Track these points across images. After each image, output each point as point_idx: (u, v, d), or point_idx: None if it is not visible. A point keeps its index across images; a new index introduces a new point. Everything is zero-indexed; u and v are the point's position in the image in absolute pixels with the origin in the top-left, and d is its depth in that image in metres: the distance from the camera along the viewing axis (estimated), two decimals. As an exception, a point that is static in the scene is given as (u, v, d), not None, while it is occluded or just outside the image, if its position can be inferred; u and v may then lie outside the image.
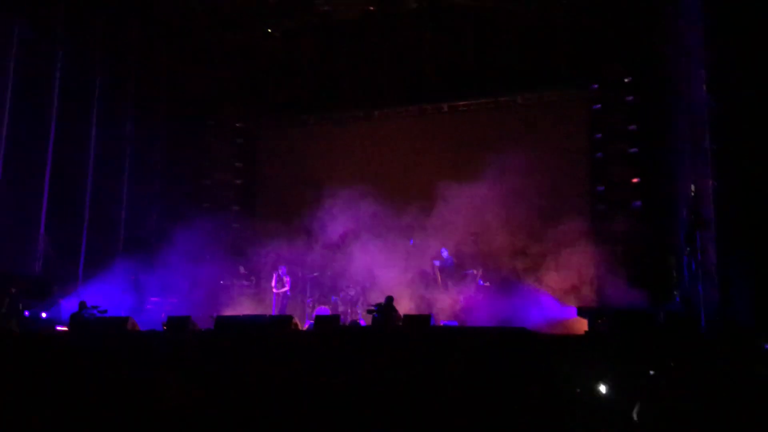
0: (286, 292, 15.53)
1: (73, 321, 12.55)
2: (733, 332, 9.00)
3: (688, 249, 11.49)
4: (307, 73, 18.87)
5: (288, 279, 15.56)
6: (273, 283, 15.57)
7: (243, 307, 15.89)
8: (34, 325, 13.00)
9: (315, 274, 16.14)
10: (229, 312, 15.16)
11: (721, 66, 10.10)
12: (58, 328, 13.26)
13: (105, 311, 12.80)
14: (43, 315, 13.47)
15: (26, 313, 13.05)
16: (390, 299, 12.66)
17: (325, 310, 15.47)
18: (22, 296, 13.15)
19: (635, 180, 15.28)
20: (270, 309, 15.59)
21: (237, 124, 19.01)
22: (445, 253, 15.49)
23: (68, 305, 13.66)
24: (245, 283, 16.64)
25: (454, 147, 16.97)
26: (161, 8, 17.47)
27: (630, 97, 15.56)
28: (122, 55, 16.69)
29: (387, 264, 15.50)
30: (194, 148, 18.79)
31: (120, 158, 16.55)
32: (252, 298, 16.39)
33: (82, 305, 12.75)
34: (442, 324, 13.31)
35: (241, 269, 16.67)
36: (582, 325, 12.01)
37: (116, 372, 8.81)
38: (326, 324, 12.10)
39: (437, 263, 15.50)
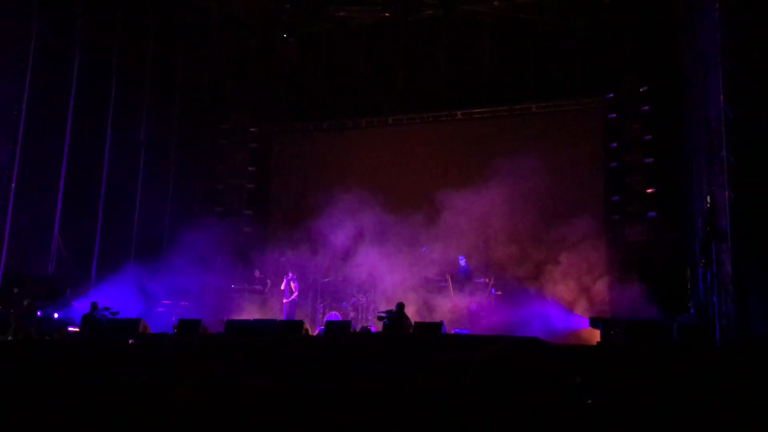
0: (294, 298, 15.46)
1: (85, 322, 12.60)
2: (749, 345, 8.89)
3: (704, 260, 11.37)
4: (322, 79, 18.94)
5: (296, 285, 15.50)
6: (283, 288, 15.51)
7: (253, 311, 15.89)
8: (47, 326, 13.06)
9: (326, 279, 16.10)
10: (239, 316, 15.16)
11: (738, 77, 10.01)
12: (70, 328, 13.31)
13: (117, 313, 12.86)
14: (55, 315, 13.53)
15: (38, 313, 13.11)
16: (401, 306, 12.60)
17: (335, 315, 15.44)
18: (34, 296, 13.23)
19: (650, 190, 15.15)
20: (281, 314, 15.57)
21: (251, 129, 19.03)
22: (462, 261, 15.44)
23: (80, 306, 13.71)
24: (257, 287, 16.58)
25: (468, 154, 16.95)
26: (178, 12, 17.58)
27: (646, 107, 15.45)
28: (138, 58, 16.79)
29: (398, 270, 15.46)
30: (207, 151, 18.88)
31: (134, 160, 16.62)
32: (263, 302, 16.36)
33: (94, 306, 12.81)
34: (453, 332, 13.23)
35: (257, 273, 16.62)
36: (594, 335, 11.92)
37: (126, 374, 8.81)
38: (337, 330, 12.08)
39: (460, 271, 15.41)
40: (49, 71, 14.44)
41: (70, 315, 13.67)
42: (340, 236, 15.66)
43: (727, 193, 9.95)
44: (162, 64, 17.42)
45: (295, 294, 15.45)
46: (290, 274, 15.53)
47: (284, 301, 15.43)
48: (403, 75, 18.22)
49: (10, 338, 12.13)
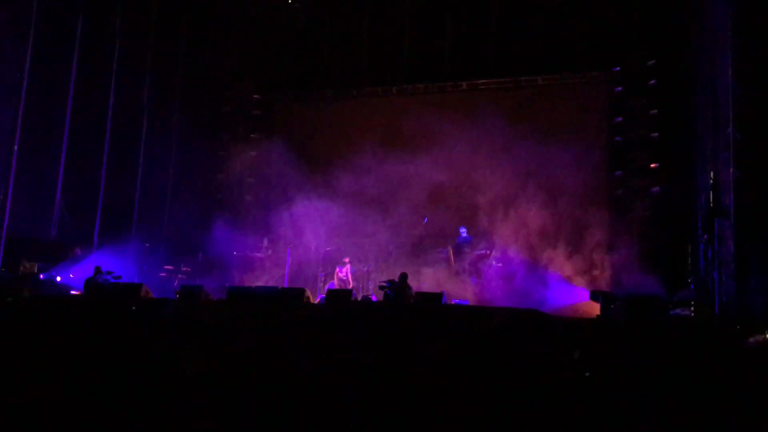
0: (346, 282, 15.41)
1: (88, 286, 12.66)
2: (748, 322, 8.92)
3: (705, 237, 11.37)
4: (327, 47, 18.76)
5: (347, 272, 15.45)
6: (343, 276, 15.48)
7: (256, 279, 15.94)
8: (49, 290, 13.13)
9: (328, 248, 16.11)
10: (242, 283, 15.25)
11: (749, 52, 9.89)
12: (73, 292, 13.39)
13: (119, 277, 12.92)
14: (58, 279, 13.60)
15: (41, 276, 13.18)
16: (404, 276, 12.63)
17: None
18: (37, 260, 13.29)
19: (654, 165, 15.08)
20: (282, 282, 15.60)
21: (254, 96, 18.91)
22: (463, 232, 15.48)
23: (83, 270, 13.77)
24: (259, 255, 16.56)
25: (472, 126, 16.77)
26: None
27: (653, 81, 15.31)
28: (142, 21, 16.63)
29: (399, 241, 15.53)
30: (210, 117, 18.76)
31: (136, 125, 16.57)
32: (267, 270, 16.37)
33: (97, 270, 12.87)
34: (453, 303, 13.29)
35: (265, 242, 16.61)
36: (594, 308, 11.98)
37: (128, 338, 8.89)
38: (338, 298, 12.12)
39: (460, 241, 15.46)
40: (52, 35, 14.30)
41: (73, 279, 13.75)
42: (341, 205, 15.66)
43: (731, 170, 9.91)
44: (166, 29, 17.25)
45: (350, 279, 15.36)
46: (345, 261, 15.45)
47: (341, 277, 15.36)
48: (408, 45, 18.03)
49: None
